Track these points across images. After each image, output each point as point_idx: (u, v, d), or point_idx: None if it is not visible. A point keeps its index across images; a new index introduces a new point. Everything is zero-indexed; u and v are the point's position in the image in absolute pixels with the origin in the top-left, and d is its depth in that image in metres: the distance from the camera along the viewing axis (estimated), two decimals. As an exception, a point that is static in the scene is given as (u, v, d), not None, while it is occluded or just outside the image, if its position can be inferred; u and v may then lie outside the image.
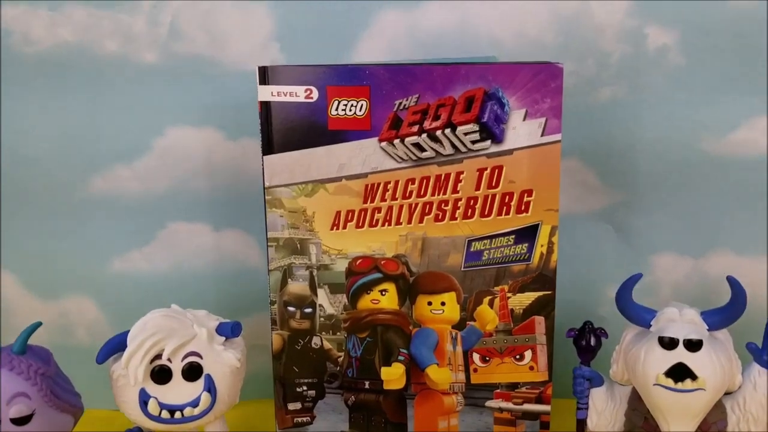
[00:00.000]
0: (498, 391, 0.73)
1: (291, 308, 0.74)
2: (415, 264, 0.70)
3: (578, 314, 0.69)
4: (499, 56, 0.77)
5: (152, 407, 0.66)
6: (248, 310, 0.85)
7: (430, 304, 0.71)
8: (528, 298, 0.69)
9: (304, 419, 0.77)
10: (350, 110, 0.65)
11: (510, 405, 0.73)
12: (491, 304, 0.70)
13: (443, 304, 0.71)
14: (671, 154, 0.81)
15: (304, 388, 0.76)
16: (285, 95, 0.65)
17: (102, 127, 0.82)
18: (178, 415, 0.67)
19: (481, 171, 0.66)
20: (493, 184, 0.66)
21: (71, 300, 0.88)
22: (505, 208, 0.67)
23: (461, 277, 0.70)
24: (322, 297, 0.73)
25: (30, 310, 0.86)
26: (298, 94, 0.65)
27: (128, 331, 0.66)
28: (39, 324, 0.63)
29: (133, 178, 0.84)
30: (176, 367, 0.66)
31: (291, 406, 0.76)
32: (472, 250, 0.68)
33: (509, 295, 0.69)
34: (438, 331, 0.71)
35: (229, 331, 0.68)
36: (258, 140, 0.67)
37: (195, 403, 0.67)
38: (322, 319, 0.74)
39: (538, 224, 0.67)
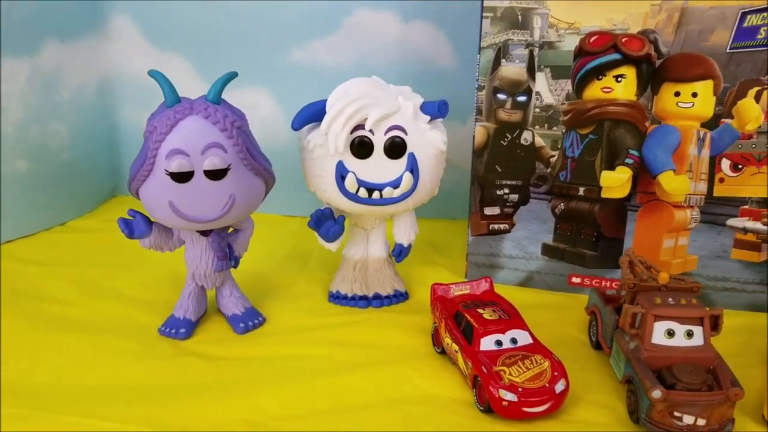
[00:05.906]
0: (745, 207, 0.64)
1: (501, 95, 0.66)
2: (666, 43, 0.60)
3: None
4: None
5: (350, 183, 0.61)
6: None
7: (677, 94, 0.61)
8: (811, 89, 0.58)
9: (502, 226, 0.69)
10: None
11: (758, 225, 0.64)
12: (758, 97, 0.59)
13: (694, 95, 0.61)
14: None
15: (506, 191, 0.68)
16: None
17: None
18: (376, 195, 0.62)
19: None
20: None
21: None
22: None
23: (725, 61, 0.59)
24: (541, 82, 0.65)
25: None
26: None
27: (326, 100, 0.60)
28: (235, 74, 0.56)
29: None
30: (378, 141, 0.61)
31: (488, 211, 0.69)
32: (745, 25, 0.57)
33: (784, 86, 0.58)
34: (681, 130, 0.62)
35: (435, 109, 0.62)
36: None
37: (396, 183, 0.61)
38: (537, 110, 0.65)
39: None
